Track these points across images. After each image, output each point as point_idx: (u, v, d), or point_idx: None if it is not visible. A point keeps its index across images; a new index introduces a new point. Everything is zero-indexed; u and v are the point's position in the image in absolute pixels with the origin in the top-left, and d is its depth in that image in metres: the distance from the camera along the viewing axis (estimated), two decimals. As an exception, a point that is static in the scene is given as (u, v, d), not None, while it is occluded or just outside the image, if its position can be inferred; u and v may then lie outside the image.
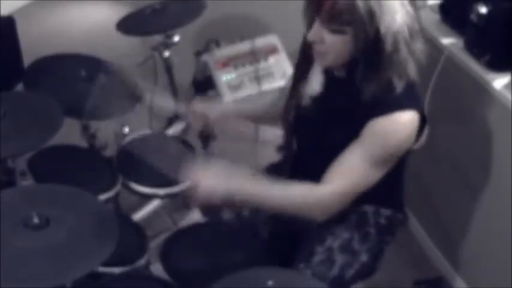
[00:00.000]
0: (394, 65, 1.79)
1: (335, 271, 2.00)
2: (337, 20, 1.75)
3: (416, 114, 1.84)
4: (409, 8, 1.79)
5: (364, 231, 2.05)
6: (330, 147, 1.90)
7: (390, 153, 1.86)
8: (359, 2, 1.71)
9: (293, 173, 2.06)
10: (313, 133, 1.97)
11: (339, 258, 2.02)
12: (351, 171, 1.86)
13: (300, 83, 2.00)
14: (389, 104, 1.81)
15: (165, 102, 2.45)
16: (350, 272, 2.03)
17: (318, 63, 1.91)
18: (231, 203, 1.92)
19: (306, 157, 2.06)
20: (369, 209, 2.04)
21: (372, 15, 1.72)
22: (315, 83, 1.97)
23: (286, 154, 2.12)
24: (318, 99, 1.97)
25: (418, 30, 1.81)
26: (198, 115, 2.30)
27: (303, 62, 1.99)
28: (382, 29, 1.73)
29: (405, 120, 1.82)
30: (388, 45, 1.75)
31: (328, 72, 1.94)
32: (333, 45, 1.80)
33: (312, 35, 1.82)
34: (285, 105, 2.06)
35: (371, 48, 1.76)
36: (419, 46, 1.82)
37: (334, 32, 1.78)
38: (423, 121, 1.88)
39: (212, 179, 1.87)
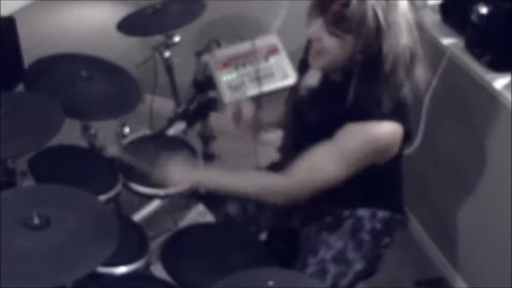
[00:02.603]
0: (389, 86, 1.77)
1: (328, 282, 2.00)
2: (341, 25, 1.74)
3: (399, 127, 1.82)
4: (415, 33, 1.77)
5: (359, 238, 2.04)
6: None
7: (361, 158, 1.83)
8: (370, 15, 1.69)
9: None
10: (308, 130, 1.96)
11: (332, 269, 2.02)
12: (315, 166, 1.87)
13: (301, 76, 2.01)
14: (371, 112, 1.79)
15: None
16: (344, 282, 2.03)
17: (312, 65, 1.89)
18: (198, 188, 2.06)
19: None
20: (364, 213, 2.03)
21: (378, 32, 1.71)
22: (312, 77, 1.96)
23: (285, 149, 2.11)
24: (313, 96, 1.96)
25: (420, 56, 1.79)
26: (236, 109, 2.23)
27: (306, 57, 1.97)
28: (385, 49, 1.72)
29: (383, 130, 1.80)
30: (387, 66, 1.74)
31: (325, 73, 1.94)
32: (330, 47, 1.79)
33: (311, 32, 1.81)
34: (287, 96, 2.09)
35: (369, 64, 1.75)
36: (419, 71, 1.80)
37: (333, 34, 1.77)
38: (407, 136, 1.87)
39: (181, 172, 2.01)
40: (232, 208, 2.23)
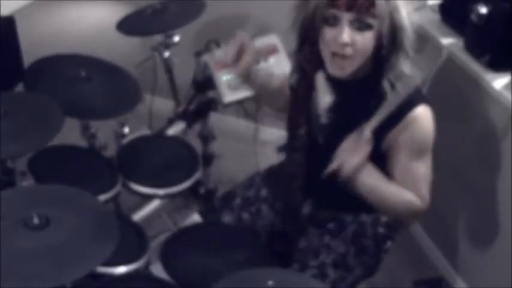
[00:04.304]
0: (405, 58, 1.80)
1: (326, 286, 2.00)
2: (371, 13, 1.72)
3: (427, 107, 1.85)
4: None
5: (361, 244, 2.04)
6: (332, 150, 1.89)
7: (430, 142, 1.89)
8: None
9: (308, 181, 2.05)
10: (332, 140, 1.90)
11: (332, 274, 2.01)
12: (418, 178, 1.90)
13: (308, 100, 1.92)
14: (402, 106, 1.82)
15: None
16: (342, 286, 2.03)
17: (338, 73, 1.81)
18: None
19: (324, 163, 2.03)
20: (367, 218, 2.03)
21: (395, 8, 1.73)
22: (323, 94, 1.90)
23: (299, 165, 2.04)
24: (333, 108, 1.91)
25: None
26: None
27: (304, 79, 1.91)
28: (404, 22, 1.75)
29: (418, 114, 1.84)
30: (407, 38, 1.76)
31: (334, 80, 1.88)
32: (364, 44, 1.75)
33: (345, 38, 1.74)
34: (295, 126, 1.98)
35: (392, 42, 1.76)
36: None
37: (364, 28, 1.73)
38: None
39: (359, 158, 1.83)
40: (227, 217, 2.23)
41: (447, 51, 2.44)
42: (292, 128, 1.99)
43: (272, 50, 2.67)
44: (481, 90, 2.33)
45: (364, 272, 2.07)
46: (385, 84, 1.80)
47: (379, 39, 1.75)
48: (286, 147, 2.04)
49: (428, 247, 2.88)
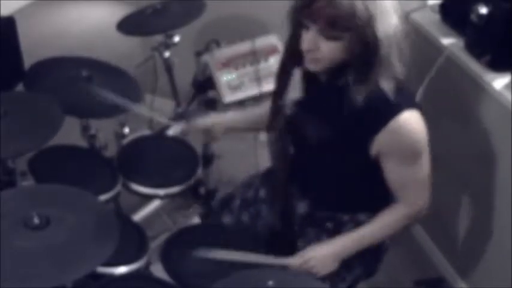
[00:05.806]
0: (384, 67, 1.77)
1: (326, 286, 2.00)
2: (336, 26, 1.72)
3: (413, 112, 1.83)
4: (399, 9, 1.78)
5: None
6: (325, 151, 1.91)
7: (421, 146, 1.88)
8: (359, 6, 1.69)
9: (291, 178, 2.06)
10: (307, 138, 1.93)
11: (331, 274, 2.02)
12: (418, 181, 1.93)
13: (283, 92, 1.95)
14: (386, 112, 1.81)
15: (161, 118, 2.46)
16: (342, 286, 2.03)
17: (310, 68, 1.85)
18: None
19: (302, 161, 2.04)
20: (364, 218, 2.02)
21: (371, 19, 1.70)
22: (293, 89, 1.92)
23: (280, 162, 2.08)
24: (302, 105, 1.92)
25: (404, 30, 1.80)
26: (201, 132, 2.29)
27: (285, 71, 1.93)
28: (380, 34, 1.72)
29: (403, 121, 1.81)
30: (384, 49, 1.74)
31: (309, 77, 1.90)
32: (329, 52, 1.77)
33: (308, 44, 1.78)
34: (271, 116, 2.02)
35: (366, 53, 1.74)
36: (405, 45, 1.80)
37: (331, 38, 1.75)
38: None
39: (322, 262, 1.96)
40: (226, 218, 2.23)
41: (447, 51, 2.44)
42: (271, 121, 2.02)
43: (272, 50, 2.67)
44: (481, 90, 2.33)
45: (363, 271, 2.07)
46: (353, 92, 1.79)
47: (350, 49, 1.75)
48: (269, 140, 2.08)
49: (428, 247, 2.88)
